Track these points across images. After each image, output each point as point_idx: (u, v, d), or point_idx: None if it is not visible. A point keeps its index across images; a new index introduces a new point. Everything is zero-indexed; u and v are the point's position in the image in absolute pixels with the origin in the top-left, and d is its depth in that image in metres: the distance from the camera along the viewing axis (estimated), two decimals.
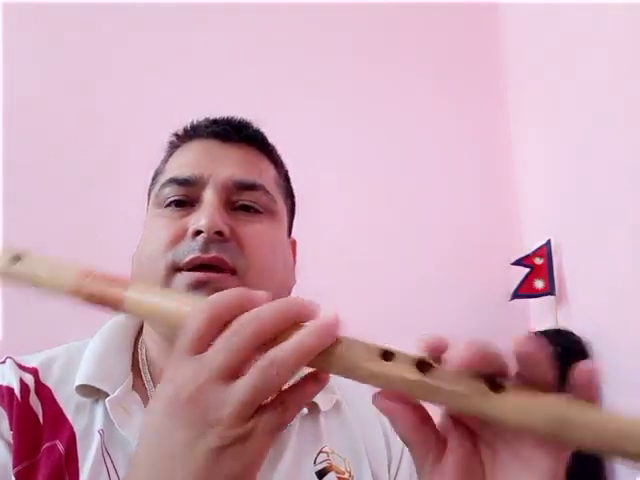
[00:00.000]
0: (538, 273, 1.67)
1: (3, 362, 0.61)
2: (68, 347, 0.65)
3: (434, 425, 0.38)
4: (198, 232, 0.58)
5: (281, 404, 0.37)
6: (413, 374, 0.34)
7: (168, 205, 0.62)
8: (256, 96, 1.66)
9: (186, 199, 0.62)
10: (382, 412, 0.37)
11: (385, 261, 1.73)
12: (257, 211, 0.63)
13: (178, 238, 0.59)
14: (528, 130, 1.90)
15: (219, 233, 0.58)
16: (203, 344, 0.37)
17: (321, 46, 1.86)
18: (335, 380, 0.72)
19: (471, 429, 0.39)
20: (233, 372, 0.36)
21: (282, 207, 0.68)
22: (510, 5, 1.98)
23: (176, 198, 0.62)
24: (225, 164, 0.63)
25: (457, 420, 0.38)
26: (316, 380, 0.38)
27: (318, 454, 0.62)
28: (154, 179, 0.69)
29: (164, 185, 0.63)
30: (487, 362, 0.34)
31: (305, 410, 0.64)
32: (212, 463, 0.35)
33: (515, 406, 0.33)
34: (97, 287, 0.44)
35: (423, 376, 0.34)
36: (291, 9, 1.81)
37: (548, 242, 1.68)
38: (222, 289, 0.48)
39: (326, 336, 0.36)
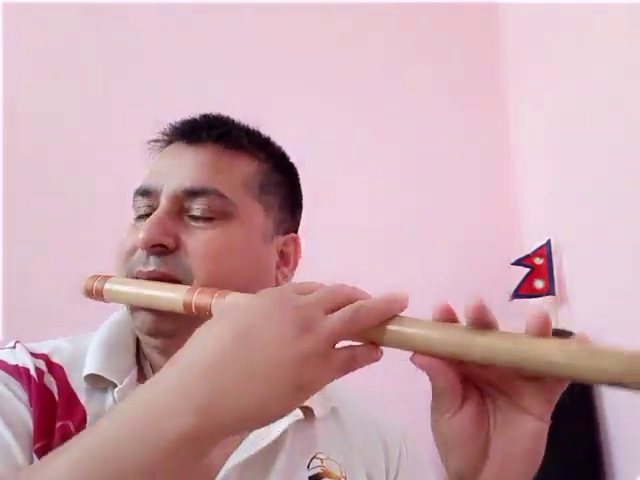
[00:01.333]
0: (538, 273, 1.67)
1: (13, 347, 0.61)
2: (71, 339, 0.65)
3: (459, 381, 0.45)
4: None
5: (353, 353, 0.44)
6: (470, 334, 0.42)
7: (136, 216, 0.64)
8: (257, 98, 1.66)
9: (149, 210, 0.62)
10: (422, 368, 0.44)
11: (385, 261, 1.73)
12: (209, 218, 0.61)
13: (133, 250, 0.61)
14: (528, 130, 1.90)
15: (160, 245, 0.59)
16: (309, 291, 0.45)
17: (320, 45, 1.86)
18: (331, 387, 0.72)
19: (477, 386, 0.47)
20: (331, 308, 0.43)
21: (249, 208, 0.64)
22: (510, 5, 1.98)
23: (141, 210, 0.63)
24: (177, 171, 0.63)
25: (468, 379, 0.47)
26: (377, 351, 0.45)
27: (312, 459, 0.62)
28: None
29: (134, 195, 0.65)
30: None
31: (301, 415, 0.64)
32: (302, 363, 0.41)
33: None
34: (204, 299, 0.52)
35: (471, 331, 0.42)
36: (295, 10, 1.81)
37: (548, 242, 1.68)
38: None
39: (403, 299, 0.45)
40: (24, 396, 0.56)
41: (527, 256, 1.71)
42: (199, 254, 0.59)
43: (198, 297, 0.52)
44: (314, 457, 0.63)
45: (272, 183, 0.67)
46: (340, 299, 0.44)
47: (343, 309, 0.43)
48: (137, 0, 1.70)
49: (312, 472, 0.62)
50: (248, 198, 0.64)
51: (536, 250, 1.70)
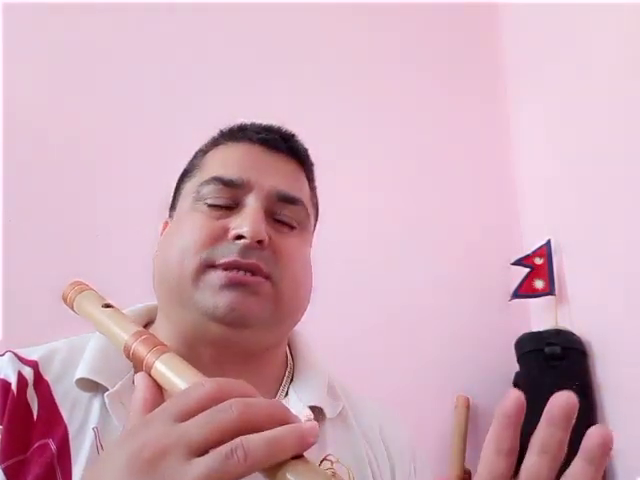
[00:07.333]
0: (538, 273, 1.67)
1: (2, 355, 0.61)
2: (71, 340, 0.65)
3: None
4: (240, 237, 0.59)
5: None
6: None
7: (210, 204, 0.63)
8: (257, 98, 1.66)
9: (229, 201, 0.63)
10: None
11: (385, 261, 1.73)
12: (293, 226, 0.65)
13: (216, 238, 0.60)
14: (528, 130, 1.90)
15: (259, 241, 0.60)
16: (189, 416, 0.37)
17: (319, 46, 1.86)
18: (339, 385, 0.72)
19: None
20: (201, 448, 0.35)
21: (312, 224, 0.70)
22: (510, 5, 1.98)
23: (220, 200, 0.63)
24: (271, 173, 0.65)
25: None
26: None
27: (322, 461, 0.61)
28: (189, 172, 0.69)
29: (207, 182, 0.64)
30: None
31: (311, 415, 0.62)
32: None
33: None
34: (139, 350, 0.49)
35: None
36: (294, 11, 1.81)
37: (548, 242, 1.68)
38: (256, 292, 0.59)
39: (303, 442, 0.36)
40: None
41: (527, 256, 1.71)
42: (289, 258, 0.62)
43: (137, 346, 0.49)
44: (324, 459, 0.62)
45: (316, 206, 0.73)
46: (234, 427, 0.36)
47: (212, 454, 0.35)
48: (139, 0, 1.70)
49: None
50: (312, 214, 0.70)
51: (536, 250, 1.70)
